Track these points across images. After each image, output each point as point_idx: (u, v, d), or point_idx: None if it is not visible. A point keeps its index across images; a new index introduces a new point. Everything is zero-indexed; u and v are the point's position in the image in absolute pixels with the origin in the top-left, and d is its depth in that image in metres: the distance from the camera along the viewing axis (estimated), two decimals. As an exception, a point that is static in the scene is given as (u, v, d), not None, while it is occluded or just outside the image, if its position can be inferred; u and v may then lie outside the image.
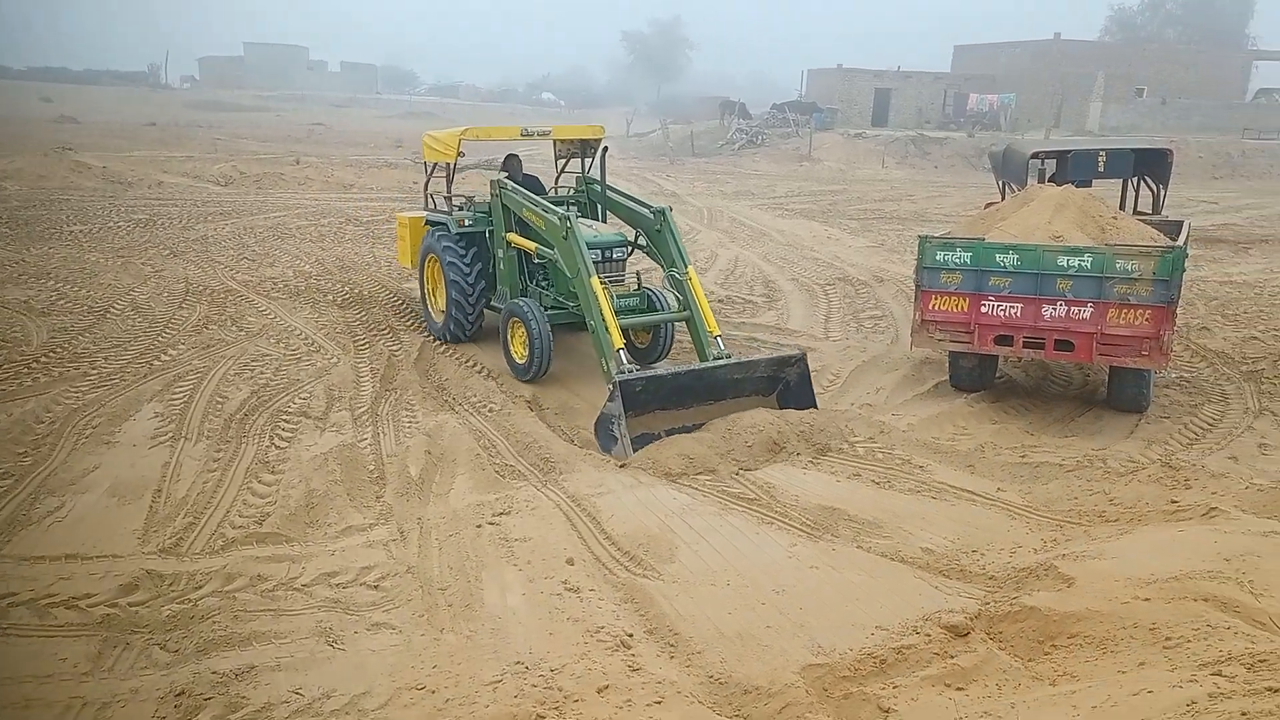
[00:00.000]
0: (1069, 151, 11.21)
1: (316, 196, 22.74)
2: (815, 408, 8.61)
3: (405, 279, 14.12)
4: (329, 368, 9.85)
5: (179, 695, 4.64)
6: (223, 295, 12.61)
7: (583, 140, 11.40)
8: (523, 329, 9.37)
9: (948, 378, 9.71)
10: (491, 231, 10.45)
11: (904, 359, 10.70)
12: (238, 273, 14.13)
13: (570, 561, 5.96)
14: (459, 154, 10.48)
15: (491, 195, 10.19)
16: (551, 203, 9.72)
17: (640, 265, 10.57)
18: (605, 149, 10.78)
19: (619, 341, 8.35)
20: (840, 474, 7.44)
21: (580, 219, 9.40)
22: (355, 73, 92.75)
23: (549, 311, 9.63)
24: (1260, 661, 4.02)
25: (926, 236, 8.98)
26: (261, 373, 9.56)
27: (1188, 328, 11.46)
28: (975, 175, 32.76)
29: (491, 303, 10.58)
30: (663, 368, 8.99)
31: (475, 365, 10.04)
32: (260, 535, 6.33)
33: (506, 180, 10.11)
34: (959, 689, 4.52)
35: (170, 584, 5.67)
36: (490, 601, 5.52)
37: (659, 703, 4.51)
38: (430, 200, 11.40)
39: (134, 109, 51.10)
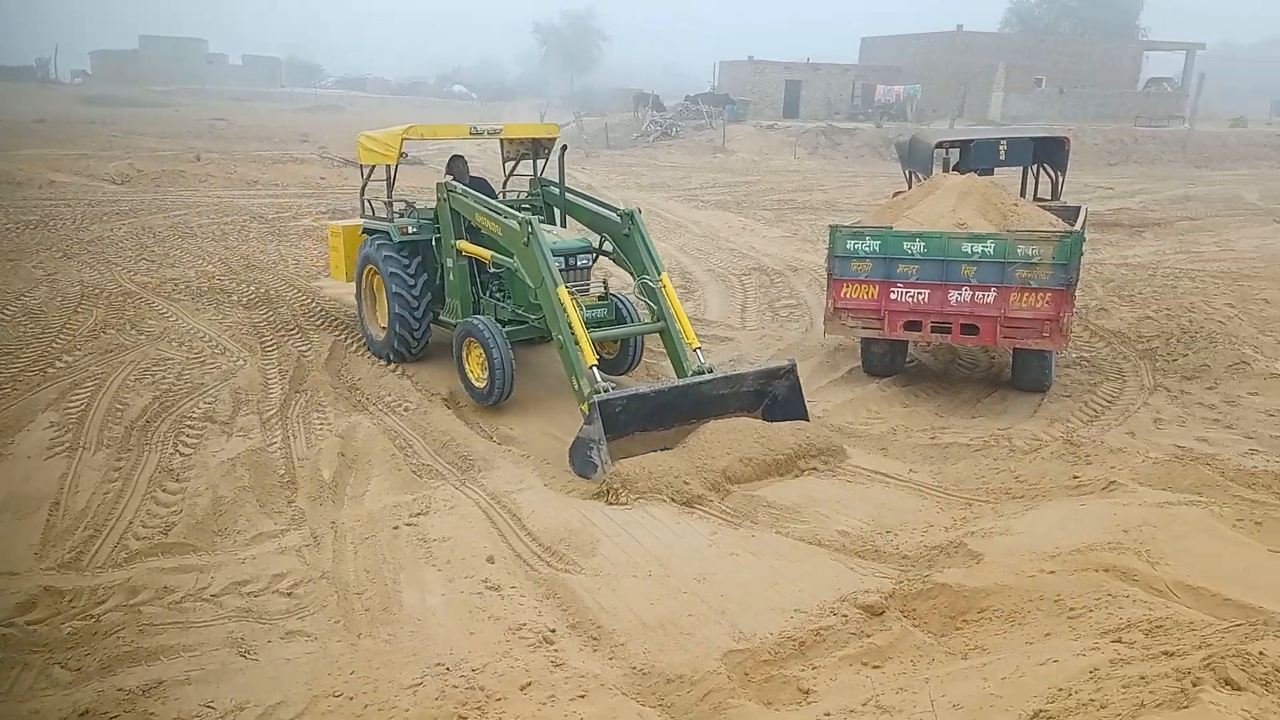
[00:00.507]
0: (971, 141, 11.52)
1: (219, 194, 22.01)
2: (806, 419, 7.98)
3: (315, 276, 13.78)
4: (235, 370, 9.55)
5: (83, 715, 4.46)
6: (120, 298, 12.11)
7: (535, 140, 10.65)
8: (480, 350, 8.42)
9: (860, 364, 9.90)
10: (439, 239, 9.53)
11: (818, 346, 10.87)
12: (136, 274, 13.59)
13: (491, 560, 5.91)
14: (401, 155, 9.50)
15: (438, 200, 9.33)
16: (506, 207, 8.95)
17: (605, 271, 10.47)
18: (565, 148, 9.92)
19: (591, 357, 7.54)
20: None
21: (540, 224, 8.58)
22: (257, 66, 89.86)
23: (507, 327, 8.74)
24: (1157, 627, 4.20)
25: (837, 226, 9.13)
26: (163, 378, 9.22)
27: (1086, 309, 11.89)
28: (884, 165, 33.43)
29: (440, 317, 9.64)
30: (644, 385, 8.10)
31: (390, 364, 9.85)
32: (166, 546, 6.12)
33: (455, 183, 9.28)
34: (875, 667, 4.61)
35: (71, 600, 5.44)
36: (409, 604, 5.44)
37: (582, 697, 4.50)
38: (367, 206, 10.31)
39: (21, 105, 48.66)
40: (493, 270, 9.10)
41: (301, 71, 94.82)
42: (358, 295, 10.31)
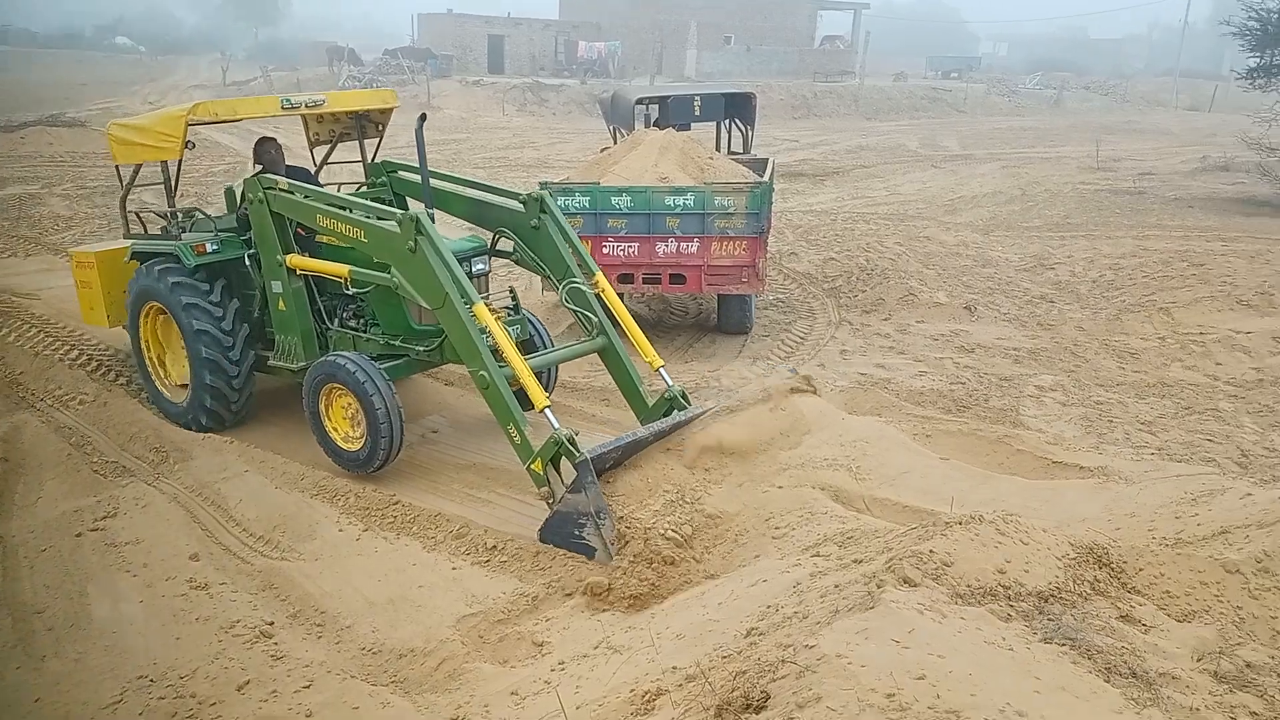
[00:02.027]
0: (668, 97, 11.95)
1: None
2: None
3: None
4: None
5: None
6: None
7: (363, 114, 8.12)
8: (350, 400, 6.27)
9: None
10: (254, 257, 7.10)
11: (538, 304, 10.92)
12: None
13: (195, 557, 5.47)
14: (185, 145, 6.81)
15: (249, 202, 6.84)
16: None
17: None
18: (424, 118, 7.04)
19: (542, 398, 5.61)
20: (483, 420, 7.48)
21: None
22: None
23: (381, 363, 6.45)
24: (848, 539, 4.64)
25: (546, 183, 9.16)
26: None
27: (779, 255, 12.79)
28: (591, 121, 33.97)
29: (270, 362, 7.19)
30: (641, 430, 5.89)
31: (59, 350, 8.70)
32: None
33: (273, 177, 6.86)
34: (605, 610, 4.76)
35: None
36: (101, 616, 4.93)
37: (308, 687, 4.30)
38: (135, 221, 7.65)
39: None
40: (350, 291, 6.71)
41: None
42: (135, 347, 7.66)
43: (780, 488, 5.45)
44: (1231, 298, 10.45)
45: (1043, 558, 3.55)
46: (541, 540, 5.42)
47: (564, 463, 5.45)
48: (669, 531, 5.13)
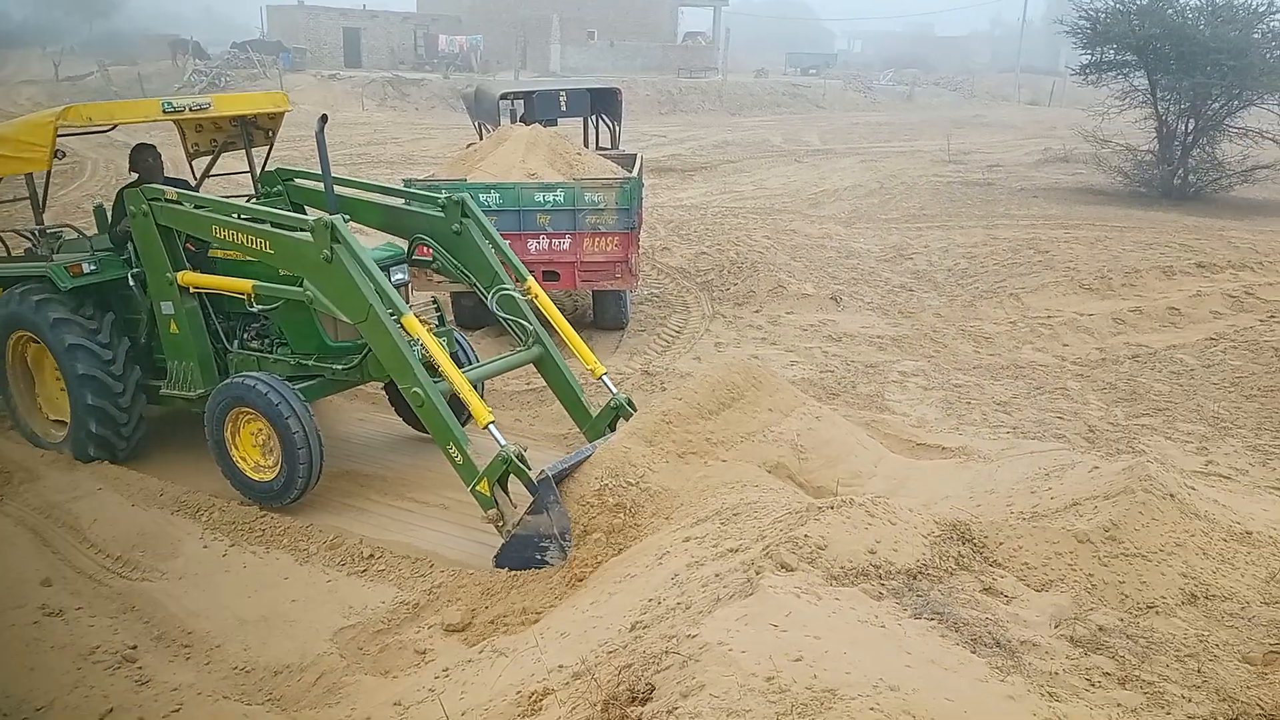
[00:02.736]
0: (534, 92, 11.87)
1: None
2: None
3: None
4: None
5: None
6: None
7: (250, 118, 7.46)
8: (260, 425, 5.79)
9: (453, 317, 9.91)
10: (138, 277, 6.45)
11: (409, 304, 10.68)
12: None
13: (47, 582, 5.12)
14: (55, 153, 6.15)
15: (131, 215, 6.17)
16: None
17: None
18: (325, 119, 6.50)
19: (486, 414, 5.24)
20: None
21: None
22: None
23: (294, 383, 5.97)
24: (725, 524, 4.73)
25: (410, 180, 8.97)
26: None
27: (652, 249, 12.91)
28: (455, 116, 33.44)
29: (163, 393, 6.51)
30: (596, 445, 5.53)
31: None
32: None
33: (162, 188, 6.20)
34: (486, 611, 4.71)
35: None
36: (-57, 651, 4.57)
37: (177, 711, 4.11)
38: None
39: None
40: (255, 309, 6.18)
41: None
42: (0, 382, 6.92)
43: (724, 461, 5.41)
44: (1075, 282, 11.15)
45: (910, 536, 3.71)
46: (497, 565, 5.04)
47: (511, 480, 5.18)
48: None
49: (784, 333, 9.91)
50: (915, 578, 3.48)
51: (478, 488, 5.14)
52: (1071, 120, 25.94)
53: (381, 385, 6.78)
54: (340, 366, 6.18)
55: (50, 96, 34.57)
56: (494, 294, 6.15)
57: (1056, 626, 3.31)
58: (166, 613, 4.88)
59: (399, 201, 6.88)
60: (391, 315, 5.36)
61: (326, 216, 5.44)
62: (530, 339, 6.13)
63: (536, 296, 6.23)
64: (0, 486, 6.25)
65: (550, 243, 9.00)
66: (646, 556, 4.68)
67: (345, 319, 5.57)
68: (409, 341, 5.35)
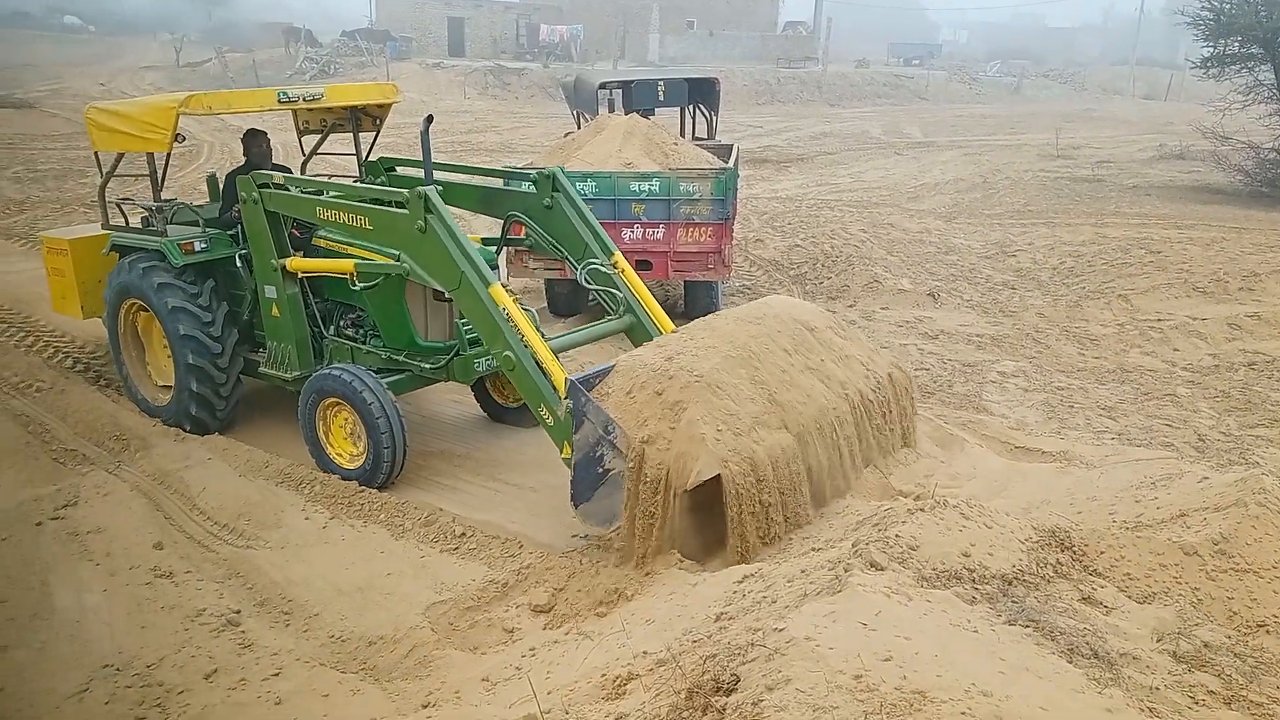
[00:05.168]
0: (632, 82, 11.90)
1: None
2: None
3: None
4: None
5: None
6: None
7: (360, 108, 7.66)
8: (350, 416, 6.08)
9: (546, 304, 10.04)
10: (245, 258, 6.75)
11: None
12: None
13: (159, 545, 5.40)
14: (175, 138, 6.35)
15: (243, 202, 6.45)
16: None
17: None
18: (430, 119, 6.27)
19: (560, 372, 5.28)
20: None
21: None
22: None
23: (383, 377, 6.22)
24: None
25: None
26: None
27: (745, 241, 12.83)
28: (554, 105, 33.79)
29: (261, 369, 6.85)
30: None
31: (14, 337, 8.51)
32: None
33: (265, 173, 6.51)
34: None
35: None
36: (64, 606, 4.86)
37: (276, 675, 4.29)
38: (115, 211, 7.27)
39: None
40: (341, 300, 6.50)
41: None
42: (112, 343, 7.36)
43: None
44: (1188, 285, 10.67)
45: (1006, 541, 3.62)
46: (575, 504, 4.97)
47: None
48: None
49: (878, 328, 9.74)
50: (1011, 583, 3.39)
51: (565, 453, 5.16)
52: (1189, 116, 24.75)
53: (469, 385, 6.91)
54: (428, 365, 6.40)
55: (172, 81, 36.19)
56: (583, 267, 6.24)
57: (1159, 640, 3.19)
58: (269, 580, 5.08)
59: (497, 182, 6.96)
60: (482, 283, 5.48)
61: (420, 189, 5.59)
62: (621, 308, 6.18)
63: (624, 271, 6.24)
64: (118, 453, 6.60)
65: (644, 232, 9.03)
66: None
67: (439, 287, 5.74)
68: (499, 309, 5.42)
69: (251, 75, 38.19)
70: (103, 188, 7.35)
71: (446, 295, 5.85)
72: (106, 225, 7.32)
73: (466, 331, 6.41)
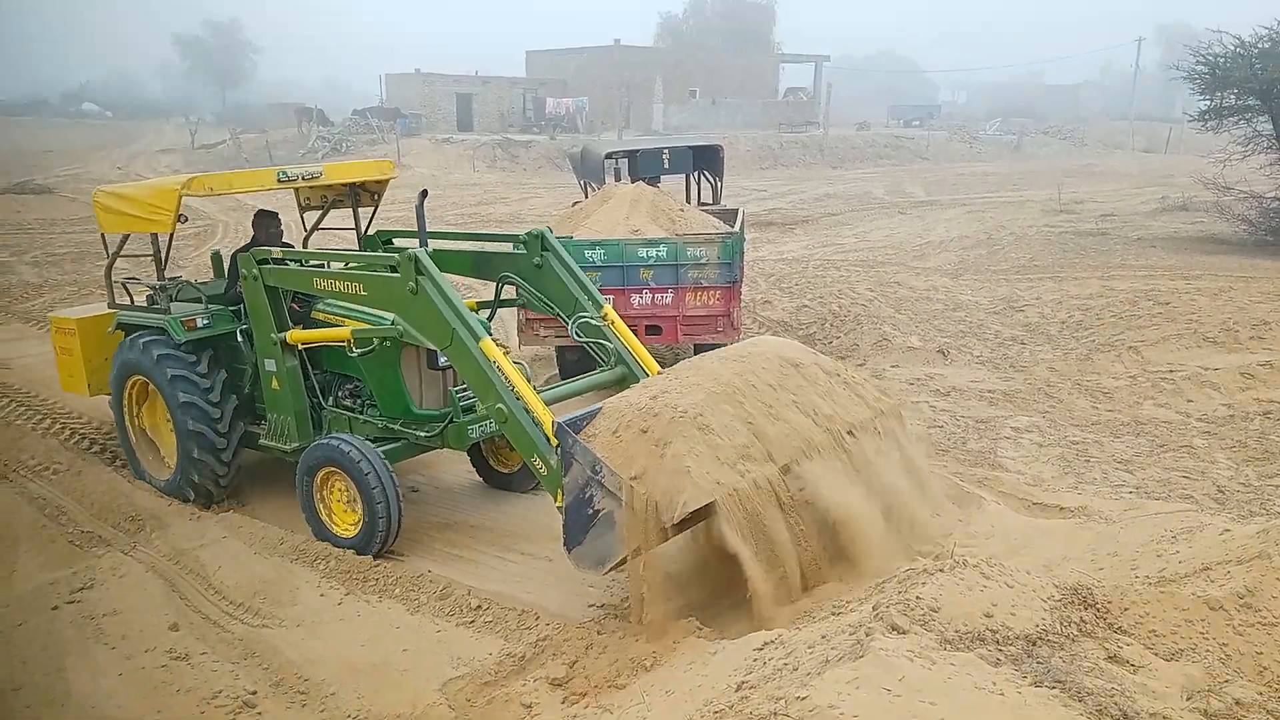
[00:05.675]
0: (637, 151, 12.12)
1: None
2: None
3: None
4: None
5: None
6: None
7: (361, 184, 7.92)
8: (347, 485, 6.19)
9: (557, 371, 10.09)
10: (246, 332, 6.90)
11: (516, 356, 10.93)
12: None
13: (175, 627, 5.37)
14: (178, 218, 6.60)
15: (244, 279, 6.60)
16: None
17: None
18: (425, 194, 6.83)
19: (548, 417, 5.31)
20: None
21: None
22: None
23: (378, 445, 6.33)
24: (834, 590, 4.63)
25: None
26: None
27: (753, 303, 12.91)
28: (561, 176, 34.33)
29: (262, 442, 6.97)
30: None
31: (31, 419, 8.59)
32: None
33: (267, 249, 6.65)
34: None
35: None
36: (80, 690, 4.83)
37: (294, 758, 4.22)
38: (120, 291, 7.46)
39: None
40: (339, 370, 6.66)
41: None
42: (118, 421, 7.52)
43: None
44: (1198, 335, 10.65)
45: (1029, 600, 3.58)
46: (569, 550, 4.90)
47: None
48: None
49: (889, 386, 9.73)
50: (1035, 644, 3.35)
51: (559, 500, 5.14)
52: (1190, 168, 24.96)
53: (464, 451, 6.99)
54: (423, 433, 6.48)
55: (187, 163, 36.95)
56: (574, 320, 6.35)
57: (1189, 699, 3.13)
58: (285, 659, 5.04)
59: (484, 246, 7.19)
60: (472, 339, 5.53)
61: (411, 250, 5.71)
62: (612, 359, 6.27)
63: (614, 323, 6.34)
64: (134, 534, 6.60)
65: (653, 297, 9.10)
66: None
67: (433, 345, 5.84)
68: (488, 363, 5.47)
69: (265, 155, 39.00)
70: (109, 268, 7.50)
71: (440, 363, 5.95)
72: (112, 304, 7.48)
73: (460, 399, 6.51)
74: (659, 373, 5.72)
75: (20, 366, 10.01)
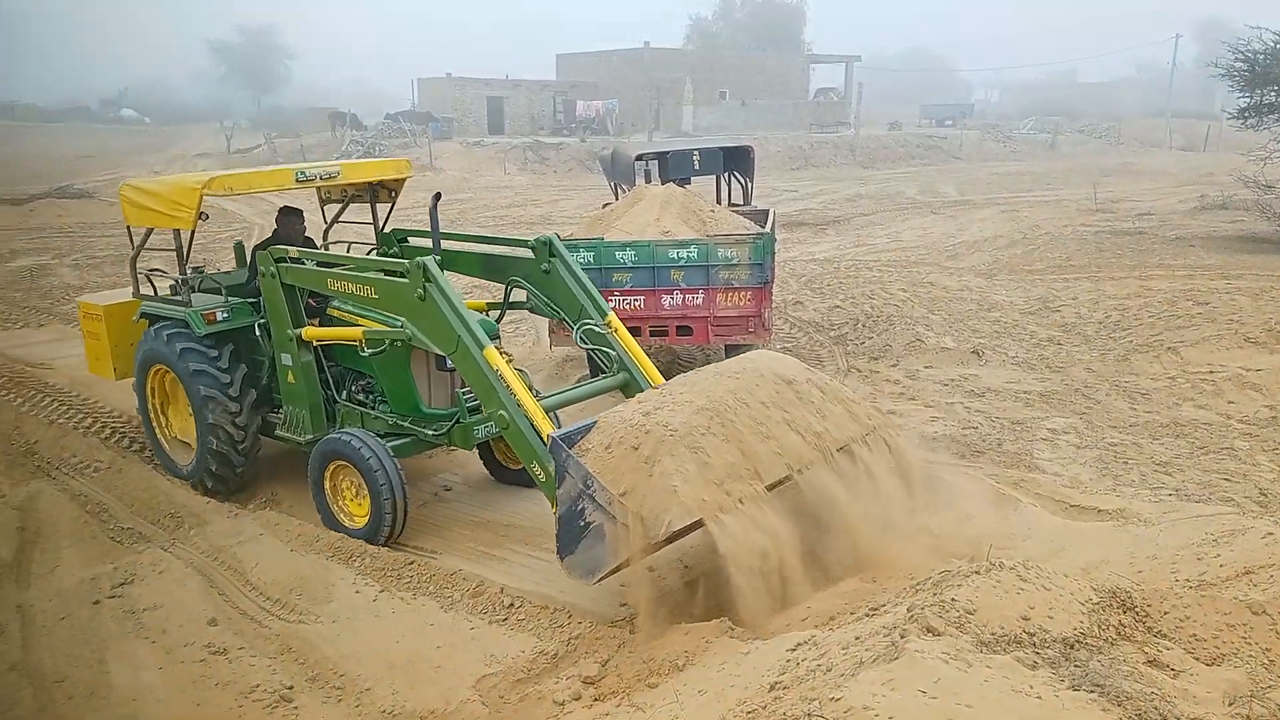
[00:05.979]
0: (667, 153, 12.11)
1: None
2: None
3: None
4: (-125, 447, 8.16)
5: None
6: None
7: (379, 182, 8.10)
8: (355, 477, 6.38)
9: (588, 372, 10.11)
10: (264, 326, 7.09)
11: (547, 358, 10.98)
12: None
13: (213, 622, 5.45)
14: (199, 215, 6.77)
15: (262, 276, 6.82)
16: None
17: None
18: (438, 196, 7.14)
19: (548, 425, 5.57)
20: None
21: None
22: None
23: (387, 440, 6.50)
24: (864, 589, 4.61)
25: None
26: None
27: (784, 303, 12.86)
28: (591, 178, 34.39)
29: (277, 431, 7.19)
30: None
31: (73, 418, 8.75)
32: None
33: (285, 248, 6.80)
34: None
35: None
36: (121, 684, 4.91)
37: (329, 752, 4.27)
38: (145, 282, 7.56)
39: None
40: (364, 356, 6.65)
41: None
42: (141, 408, 7.74)
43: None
44: (1239, 335, 10.48)
45: (1066, 603, 3.54)
46: (562, 560, 5.00)
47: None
48: None
49: (923, 388, 9.66)
50: (1073, 647, 3.31)
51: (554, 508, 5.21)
52: (1229, 166, 24.52)
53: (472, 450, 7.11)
54: (431, 431, 6.65)
55: (223, 167, 37.32)
56: (579, 327, 6.47)
57: (1230, 704, 3.08)
58: (321, 655, 5.10)
59: (494, 249, 7.31)
60: (477, 346, 5.71)
61: (420, 259, 5.87)
62: (615, 367, 6.39)
63: (617, 330, 6.42)
64: (173, 530, 6.71)
65: (684, 298, 9.10)
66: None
67: (439, 350, 5.97)
68: (492, 371, 5.65)
69: (300, 159, 39.39)
70: (133, 259, 7.64)
71: (448, 365, 6.12)
72: (137, 294, 7.65)
73: (466, 400, 6.65)
74: (656, 387, 5.80)
75: (62, 366, 10.19)
